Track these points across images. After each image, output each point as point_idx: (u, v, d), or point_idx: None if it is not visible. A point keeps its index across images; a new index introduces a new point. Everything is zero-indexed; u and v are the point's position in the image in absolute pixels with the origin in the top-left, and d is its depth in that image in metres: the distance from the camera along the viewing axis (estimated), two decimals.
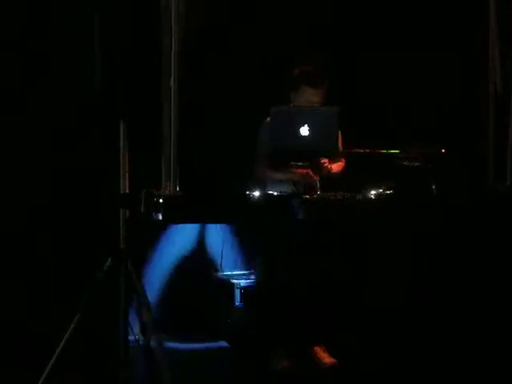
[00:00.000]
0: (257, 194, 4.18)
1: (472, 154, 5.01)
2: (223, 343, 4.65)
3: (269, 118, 4.45)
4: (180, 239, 5.10)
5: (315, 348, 4.61)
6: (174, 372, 3.94)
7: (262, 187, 4.43)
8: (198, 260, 5.16)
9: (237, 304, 4.88)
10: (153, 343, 4.00)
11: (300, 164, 4.45)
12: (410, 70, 5.38)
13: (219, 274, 5.19)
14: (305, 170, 4.34)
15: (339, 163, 4.68)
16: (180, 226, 4.96)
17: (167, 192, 4.17)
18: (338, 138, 4.37)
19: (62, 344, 4.02)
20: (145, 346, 4.07)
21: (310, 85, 4.51)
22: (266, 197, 4.26)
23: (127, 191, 4.17)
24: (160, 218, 4.04)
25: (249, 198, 4.13)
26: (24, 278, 4.97)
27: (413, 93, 5.32)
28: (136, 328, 4.11)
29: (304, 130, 4.17)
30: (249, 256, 5.11)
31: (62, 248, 5.04)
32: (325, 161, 4.52)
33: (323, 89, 4.53)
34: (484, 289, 4.85)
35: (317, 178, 4.41)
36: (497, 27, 5.07)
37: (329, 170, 4.56)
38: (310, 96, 4.52)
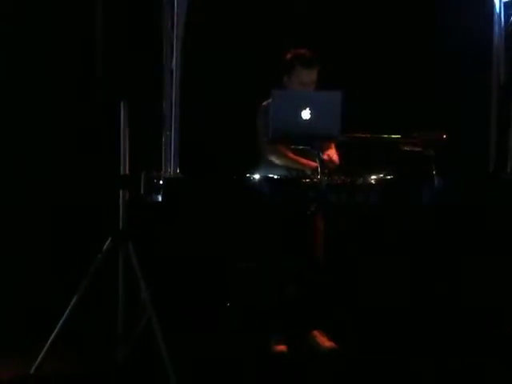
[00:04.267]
0: (257, 176, 4.16)
1: (474, 140, 5.01)
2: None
3: (265, 102, 4.45)
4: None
5: (314, 332, 4.61)
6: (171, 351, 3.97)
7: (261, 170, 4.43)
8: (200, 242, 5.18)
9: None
10: (150, 324, 4.01)
11: (301, 148, 4.44)
12: (412, 56, 5.37)
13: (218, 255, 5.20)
14: (314, 164, 4.31)
15: (334, 152, 4.65)
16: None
17: (167, 174, 4.17)
18: (339, 123, 4.35)
19: (60, 324, 4.04)
20: (143, 327, 4.08)
21: (303, 65, 4.49)
22: (266, 180, 4.25)
23: (127, 172, 4.18)
24: (159, 199, 4.03)
25: (249, 181, 4.12)
26: (24, 259, 4.98)
27: (415, 78, 5.31)
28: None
29: (306, 114, 4.16)
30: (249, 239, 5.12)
31: (62, 229, 5.06)
32: (329, 158, 4.50)
33: (317, 70, 4.53)
34: (483, 276, 4.87)
35: (317, 164, 4.38)
36: (501, 16, 5.06)
37: (334, 165, 4.54)
38: (303, 77, 4.50)
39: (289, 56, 4.58)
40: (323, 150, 4.56)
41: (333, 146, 4.62)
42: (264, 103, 4.54)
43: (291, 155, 4.52)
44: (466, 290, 4.94)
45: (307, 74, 4.51)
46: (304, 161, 4.49)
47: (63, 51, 4.90)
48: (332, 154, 4.52)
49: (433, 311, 4.81)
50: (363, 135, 4.44)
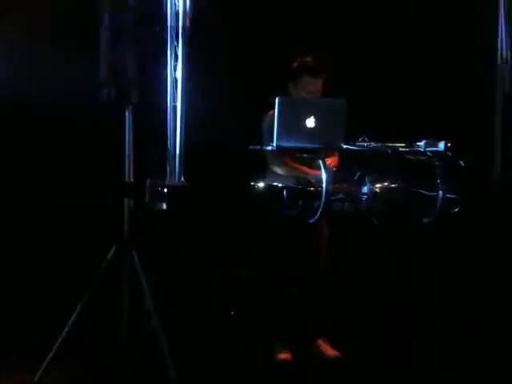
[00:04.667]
0: (261, 185, 4.16)
1: (478, 148, 5.01)
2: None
3: (271, 111, 4.46)
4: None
5: (318, 341, 4.61)
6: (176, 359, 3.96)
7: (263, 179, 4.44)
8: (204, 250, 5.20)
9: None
10: (154, 331, 4.01)
11: (306, 156, 4.45)
12: (418, 65, 5.37)
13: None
14: (318, 172, 4.33)
15: (335, 159, 4.66)
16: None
17: (172, 182, 4.18)
18: (344, 131, 4.35)
19: (65, 331, 4.03)
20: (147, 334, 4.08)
21: (310, 74, 4.50)
22: (270, 188, 4.25)
23: (132, 180, 4.18)
24: (164, 207, 4.04)
25: (253, 189, 4.12)
26: (29, 267, 4.98)
27: (420, 87, 5.31)
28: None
29: (310, 122, 4.15)
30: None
31: (66, 236, 5.05)
32: (330, 163, 4.52)
33: (323, 79, 4.54)
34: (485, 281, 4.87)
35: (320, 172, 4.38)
36: (506, 25, 5.08)
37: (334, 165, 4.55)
38: (310, 86, 4.51)
39: (295, 64, 4.60)
40: (326, 157, 4.56)
41: (335, 153, 4.63)
42: (270, 112, 4.55)
43: (295, 165, 4.52)
44: (470, 296, 4.94)
45: (313, 83, 4.53)
46: (307, 170, 4.50)
47: (67, 54, 4.90)
48: (330, 161, 4.51)
49: (437, 318, 4.81)
50: (368, 143, 4.44)
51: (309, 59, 4.58)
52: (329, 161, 4.47)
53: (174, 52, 4.24)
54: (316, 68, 4.53)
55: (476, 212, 4.80)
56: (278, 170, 4.51)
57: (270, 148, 4.40)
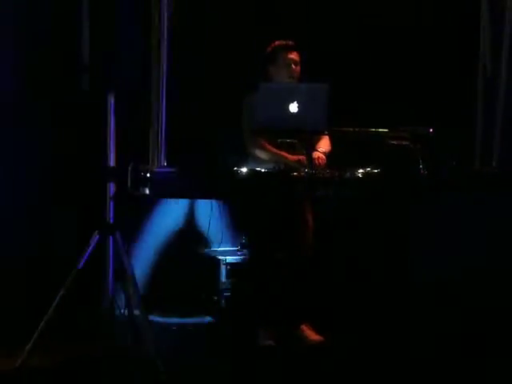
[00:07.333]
0: (245, 170, 4.16)
1: (460, 134, 5.03)
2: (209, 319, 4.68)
3: (248, 96, 4.47)
4: (170, 214, 5.19)
5: (302, 326, 4.62)
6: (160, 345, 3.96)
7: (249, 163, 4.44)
8: (187, 235, 5.21)
9: (223, 280, 4.95)
10: (138, 316, 4.00)
11: (288, 141, 4.45)
12: (400, 50, 5.38)
13: (206, 250, 5.24)
14: (299, 157, 4.33)
15: (326, 142, 4.68)
16: (170, 200, 5.02)
17: (154, 167, 4.15)
18: (326, 116, 4.35)
19: (46, 317, 4.01)
20: (130, 319, 4.06)
21: (285, 49, 4.60)
22: (254, 173, 4.24)
23: (114, 165, 4.16)
24: (147, 192, 4.02)
25: (237, 174, 4.12)
26: (9, 252, 4.95)
27: (402, 72, 5.32)
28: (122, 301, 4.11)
29: (293, 107, 4.15)
30: (237, 232, 5.15)
31: (48, 222, 5.03)
32: (320, 156, 4.52)
33: (299, 53, 4.59)
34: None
35: (301, 157, 4.39)
36: (488, 11, 5.09)
37: (323, 164, 4.55)
38: (287, 60, 4.59)
39: (270, 48, 4.66)
40: (313, 142, 4.57)
41: (325, 138, 4.64)
42: (247, 97, 4.56)
43: (274, 150, 4.53)
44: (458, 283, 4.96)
45: (290, 56, 4.60)
46: (287, 155, 4.50)
47: (50, 39, 4.86)
48: (320, 155, 4.53)
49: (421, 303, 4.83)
50: (351, 129, 4.45)
51: (281, 41, 4.63)
52: (317, 155, 4.50)
53: (158, 35, 4.20)
54: (289, 43, 4.59)
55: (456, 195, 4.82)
56: (260, 155, 4.52)
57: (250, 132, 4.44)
